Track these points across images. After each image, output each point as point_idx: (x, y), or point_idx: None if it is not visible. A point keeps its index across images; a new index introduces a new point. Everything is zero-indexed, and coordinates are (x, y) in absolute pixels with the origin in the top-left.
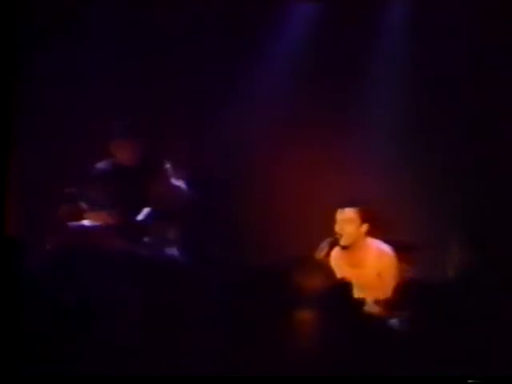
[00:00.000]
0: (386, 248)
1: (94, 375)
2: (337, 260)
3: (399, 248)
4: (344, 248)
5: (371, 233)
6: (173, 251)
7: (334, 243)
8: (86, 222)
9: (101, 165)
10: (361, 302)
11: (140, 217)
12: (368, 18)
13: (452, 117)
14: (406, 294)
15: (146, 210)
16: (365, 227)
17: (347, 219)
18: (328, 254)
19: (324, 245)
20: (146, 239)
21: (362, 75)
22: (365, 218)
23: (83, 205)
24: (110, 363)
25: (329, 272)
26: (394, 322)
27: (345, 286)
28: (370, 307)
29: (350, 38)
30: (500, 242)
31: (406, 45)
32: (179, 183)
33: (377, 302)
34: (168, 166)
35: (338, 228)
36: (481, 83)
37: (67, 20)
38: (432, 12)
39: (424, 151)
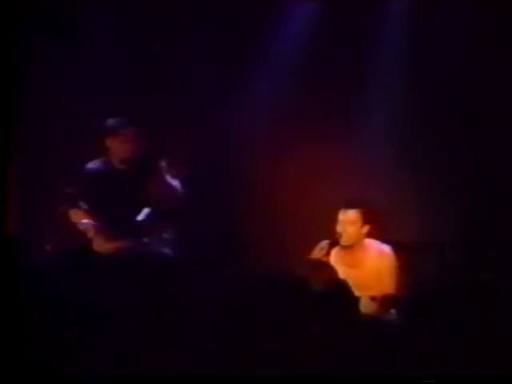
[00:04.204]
0: (385, 248)
1: (93, 375)
2: (336, 260)
3: (399, 248)
4: (344, 248)
5: (372, 234)
6: (172, 251)
7: (334, 243)
8: (85, 222)
9: (96, 164)
10: (359, 301)
11: (139, 217)
12: (368, 17)
13: (453, 117)
14: (404, 293)
15: (145, 210)
16: (366, 228)
17: (349, 220)
18: (327, 254)
19: (323, 244)
20: (145, 239)
21: (363, 75)
22: (367, 219)
23: (83, 205)
24: (110, 363)
25: (329, 271)
26: (392, 320)
27: (344, 286)
28: (367, 306)
29: (349, 39)
30: (500, 242)
31: (407, 45)
32: (177, 183)
33: (373, 299)
34: (166, 165)
35: (339, 228)
36: (481, 83)
37: (67, 20)
38: (432, 12)
39: (425, 152)
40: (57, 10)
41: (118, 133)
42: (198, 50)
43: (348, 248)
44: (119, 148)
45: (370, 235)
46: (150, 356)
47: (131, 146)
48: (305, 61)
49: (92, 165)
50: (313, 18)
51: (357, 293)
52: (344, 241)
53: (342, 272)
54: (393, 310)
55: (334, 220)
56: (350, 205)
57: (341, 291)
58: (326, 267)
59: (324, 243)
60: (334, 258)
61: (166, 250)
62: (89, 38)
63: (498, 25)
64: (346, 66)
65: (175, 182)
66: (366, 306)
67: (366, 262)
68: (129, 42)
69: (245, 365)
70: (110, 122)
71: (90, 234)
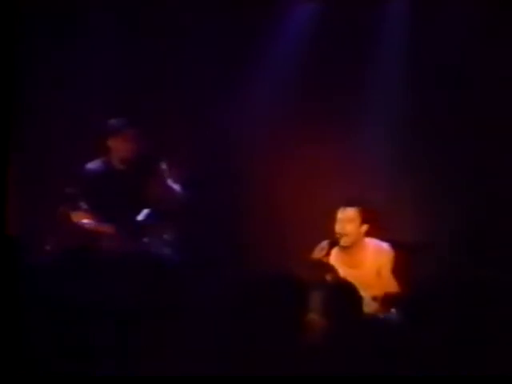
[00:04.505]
0: (384, 245)
1: (93, 375)
2: (336, 261)
3: (399, 248)
4: (344, 248)
5: (370, 233)
6: (172, 251)
7: (334, 244)
8: (85, 222)
9: (96, 164)
10: (360, 301)
11: (139, 217)
12: (368, 17)
13: (453, 117)
14: (404, 292)
15: (145, 211)
16: (365, 227)
17: (348, 218)
18: (328, 254)
19: (324, 245)
20: (145, 239)
21: (363, 75)
22: (365, 218)
23: (83, 205)
24: (110, 363)
25: (330, 271)
26: (392, 319)
27: (345, 286)
28: (368, 306)
29: (349, 39)
30: (499, 242)
31: (407, 45)
32: (177, 183)
33: (374, 298)
34: (166, 165)
35: (338, 227)
36: (481, 83)
37: (67, 20)
38: (432, 12)
39: (425, 152)
40: (57, 10)
41: (120, 132)
42: (198, 50)
43: (348, 248)
44: (121, 148)
45: (368, 234)
46: (150, 356)
47: (133, 146)
48: (305, 61)
49: (92, 165)
50: (313, 18)
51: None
52: (343, 241)
53: (342, 272)
54: (393, 310)
55: (333, 220)
56: (349, 203)
57: (345, 291)
58: (327, 267)
59: (324, 243)
60: (334, 258)
61: (166, 250)
62: (89, 37)
63: (498, 25)
64: (346, 65)
65: (175, 183)
66: (366, 306)
67: (365, 262)
68: (129, 41)
69: (245, 365)
70: (113, 121)
71: (90, 233)
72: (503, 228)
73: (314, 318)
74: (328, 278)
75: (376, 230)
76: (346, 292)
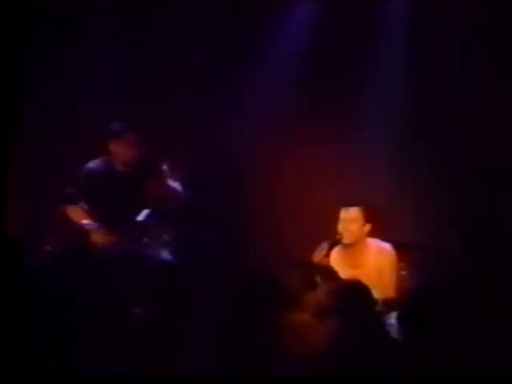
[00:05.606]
0: (385, 245)
1: (93, 375)
2: (337, 261)
3: (399, 248)
4: (345, 248)
5: (373, 233)
6: (172, 252)
7: (334, 244)
8: (85, 222)
9: (96, 164)
10: (360, 302)
11: (139, 217)
12: (368, 17)
13: (453, 117)
14: (405, 292)
15: (145, 211)
16: (367, 227)
17: (351, 218)
18: (328, 255)
19: (324, 246)
20: (145, 239)
21: (362, 75)
22: (368, 217)
23: (83, 205)
24: (110, 363)
25: (329, 273)
26: (392, 320)
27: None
28: None
29: (349, 39)
30: (499, 242)
31: (407, 45)
32: (177, 184)
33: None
34: (167, 167)
35: (341, 227)
36: (481, 83)
37: (68, 21)
38: (432, 12)
39: (425, 152)
40: (57, 10)
41: (122, 137)
42: (198, 50)
43: (349, 248)
44: (123, 152)
45: (371, 234)
46: (150, 356)
47: (134, 150)
48: (305, 61)
49: (92, 165)
50: (313, 18)
51: None
52: (346, 239)
53: (344, 273)
54: (394, 311)
55: (334, 220)
56: (351, 203)
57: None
58: (326, 269)
59: (324, 244)
60: (335, 258)
61: (166, 251)
62: (89, 38)
63: (499, 25)
64: (346, 65)
65: (176, 184)
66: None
67: (367, 262)
68: (129, 42)
69: (245, 365)
70: (114, 125)
71: (90, 233)
72: (503, 228)
73: (308, 318)
74: (326, 279)
75: (378, 229)
76: (358, 293)
